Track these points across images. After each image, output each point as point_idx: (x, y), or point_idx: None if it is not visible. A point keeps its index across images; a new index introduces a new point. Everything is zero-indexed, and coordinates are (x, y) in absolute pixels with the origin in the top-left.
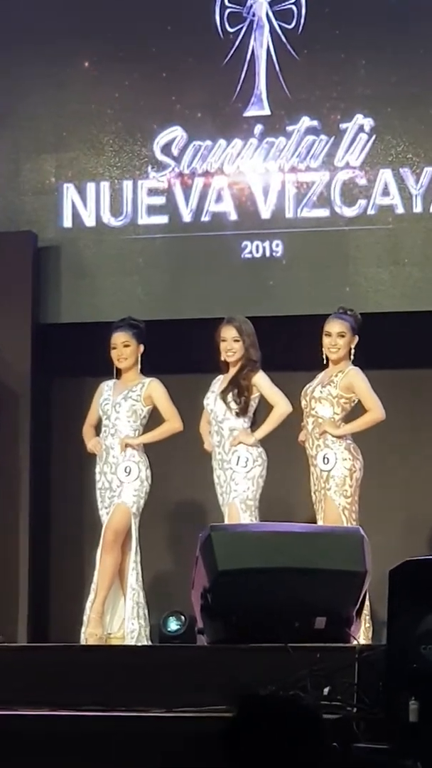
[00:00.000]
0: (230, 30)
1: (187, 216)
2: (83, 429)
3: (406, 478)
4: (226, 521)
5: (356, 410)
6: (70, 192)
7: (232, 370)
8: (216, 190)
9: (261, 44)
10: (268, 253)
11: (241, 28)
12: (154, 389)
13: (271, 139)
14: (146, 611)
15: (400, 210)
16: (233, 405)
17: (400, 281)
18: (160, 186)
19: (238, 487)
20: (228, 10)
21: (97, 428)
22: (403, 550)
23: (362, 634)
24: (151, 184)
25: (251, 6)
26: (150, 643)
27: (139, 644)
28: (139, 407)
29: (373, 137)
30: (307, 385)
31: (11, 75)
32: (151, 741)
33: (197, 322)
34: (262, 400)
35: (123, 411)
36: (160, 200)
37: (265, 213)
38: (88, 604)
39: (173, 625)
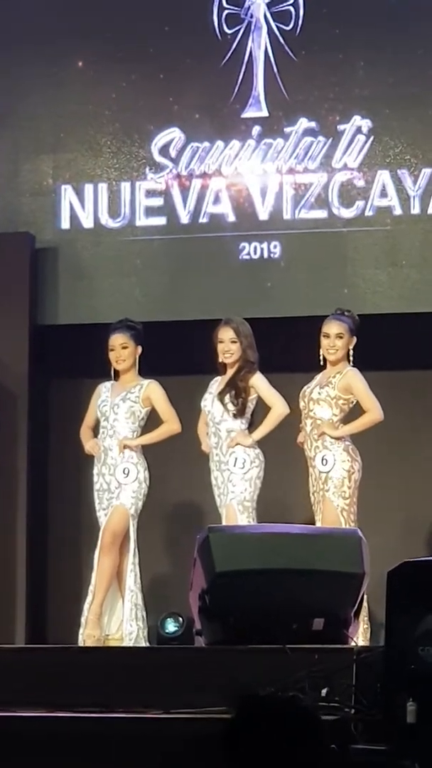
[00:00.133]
0: (228, 31)
1: (184, 217)
2: (81, 430)
3: (405, 479)
4: (224, 523)
5: (355, 411)
6: (67, 193)
7: (230, 372)
8: (214, 192)
9: (259, 45)
10: (266, 255)
11: (239, 29)
12: (153, 391)
13: (268, 141)
14: (144, 613)
15: (398, 211)
16: (230, 406)
17: (398, 283)
18: (158, 187)
19: (235, 489)
20: (226, 12)
21: (95, 430)
22: (401, 551)
23: (361, 636)
24: (149, 185)
25: (249, 7)
26: (148, 644)
27: (137, 646)
28: (137, 409)
29: (371, 138)
30: (305, 387)
31: (10, 75)
32: (150, 742)
33: (195, 323)
34: (260, 401)
35: (121, 412)
36: (158, 202)
37: (263, 214)
38: (86, 606)
39: (171, 626)
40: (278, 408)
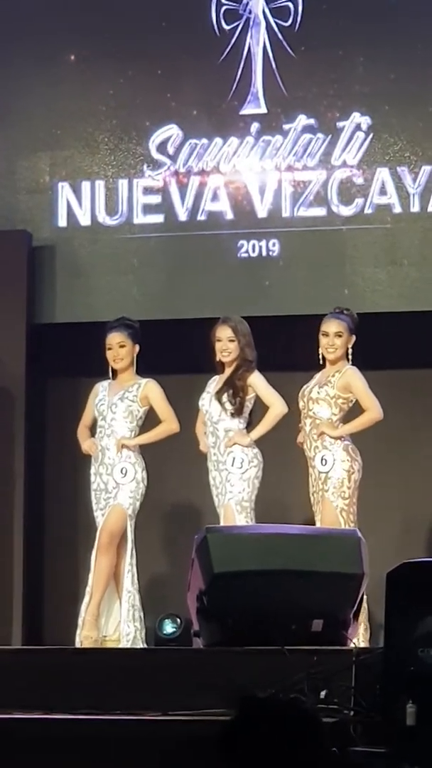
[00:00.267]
0: (226, 27)
1: (182, 215)
2: (78, 430)
3: (405, 478)
4: (222, 523)
5: (354, 410)
6: (65, 191)
7: (228, 371)
8: (212, 189)
9: (257, 42)
10: (264, 253)
11: (237, 25)
12: (151, 390)
13: (267, 138)
14: (142, 614)
15: (397, 209)
16: (228, 406)
17: (398, 281)
18: (156, 185)
19: (233, 489)
20: (224, 8)
21: (92, 429)
22: (401, 550)
23: (361, 637)
24: (147, 182)
25: (247, 3)
26: (145, 645)
27: (135, 647)
28: (135, 408)
29: (371, 136)
30: (305, 386)
31: (6, 72)
32: (148, 745)
33: (193, 322)
34: (258, 400)
35: (119, 412)
36: (155, 199)
37: (262, 212)
38: (83, 607)
39: (169, 627)
40: (276, 407)
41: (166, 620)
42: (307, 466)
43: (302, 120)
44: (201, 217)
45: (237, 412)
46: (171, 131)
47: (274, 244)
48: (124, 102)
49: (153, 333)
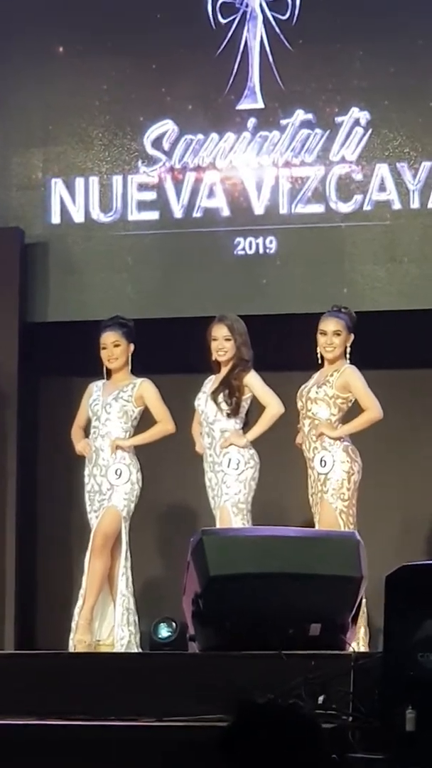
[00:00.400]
0: (223, 21)
1: (178, 212)
2: (72, 430)
3: (404, 478)
4: (218, 525)
5: (353, 410)
6: (58, 187)
7: (224, 370)
8: (208, 186)
9: (254, 36)
10: (261, 250)
11: (234, 18)
12: (146, 390)
13: (264, 133)
14: (136, 618)
15: (397, 206)
16: (224, 406)
17: (397, 279)
18: (151, 181)
19: (229, 490)
20: (220, 1)
21: (86, 429)
22: (401, 551)
23: (361, 641)
24: (142, 179)
25: None
26: (140, 650)
27: (129, 651)
28: (130, 408)
29: (370, 131)
30: (303, 386)
31: None
32: (143, 751)
33: (189, 320)
34: (255, 400)
35: (114, 412)
36: (150, 195)
37: (259, 209)
38: (77, 611)
39: (164, 631)
40: (273, 407)
41: (162, 624)
42: (304, 467)
43: (300, 115)
44: (197, 214)
45: (233, 413)
46: (166, 126)
47: (271, 242)
48: (119, 97)
49: (148, 332)
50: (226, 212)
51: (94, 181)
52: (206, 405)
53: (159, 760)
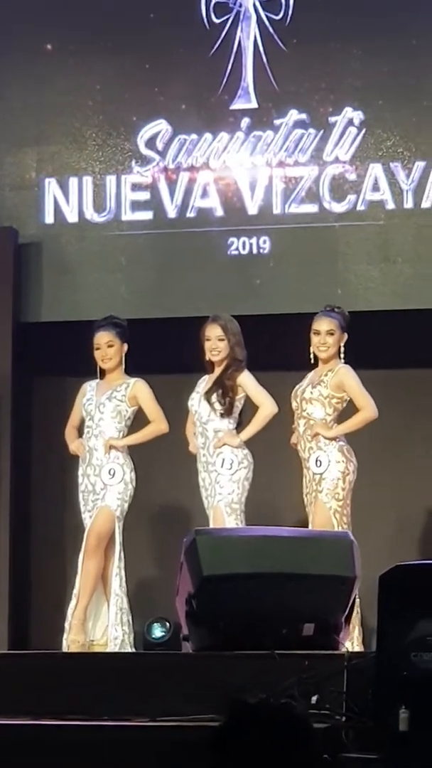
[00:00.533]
0: (216, 20)
1: (171, 212)
2: (66, 430)
3: (398, 477)
4: (211, 525)
5: (348, 409)
6: (51, 187)
7: (217, 370)
8: (202, 186)
9: (248, 35)
10: (255, 250)
11: (228, 18)
12: (139, 390)
13: (258, 133)
14: (130, 617)
15: (390, 206)
16: (217, 406)
17: (391, 279)
18: (145, 181)
19: (223, 490)
20: (214, 1)
21: (80, 429)
22: (395, 550)
23: (355, 640)
24: (135, 179)
25: None
26: (134, 650)
27: (123, 651)
28: (123, 408)
29: (363, 131)
30: (297, 386)
31: None
32: (136, 750)
33: (182, 320)
34: (248, 400)
35: (107, 412)
36: (144, 195)
37: (252, 209)
38: (70, 610)
39: (158, 631)
40: (267, 407)
41: (155, 624)
42: (298, 467)
43: (293, 115)
44: (190, 214)
45: (226, 413)
46: (160, 126)
47: (264, 242)
48: (112, 96)
49: (141, 332)
50: (219, 212)
51: (87, 181)
52: (200, 405)
53: (152, 760)
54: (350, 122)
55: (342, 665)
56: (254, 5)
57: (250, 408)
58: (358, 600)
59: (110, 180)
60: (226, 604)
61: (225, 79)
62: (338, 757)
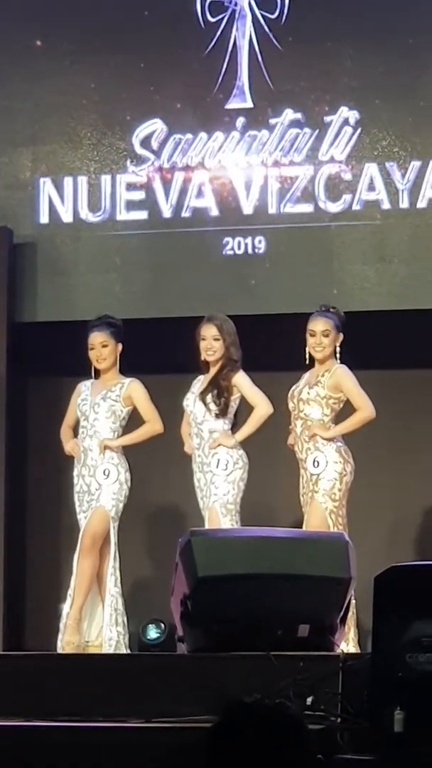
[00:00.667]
0: (211, 19)
1: (167, 211)
2: (61, 430)
3: (395, 478)
4: (207, 526)
5: (346, 409)
6: (46, 187)
7: (212, 370)
8: (197, 185)
9: (243, 34)
10: (250, 250)
11: (223, 17)
12: (134, 390)
13: (253, 132)
14: (125, 618)
15: (386, 205)
16: (212, 406)
17: (387, 279)
18: (140, 180)
19: (218, 491)
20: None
21: (75, 429)
22: (391, 551)
23: (350, 642)
24: (130, 178)
25: None
26: (129, 651)
27: (118, 652)
28: (118, 408)
29: (359, 130)
30: (294, 387)
31: None
32: (131, 752)
33: (177, 320)
34: (243, 401)
35: (102, 412)
36: (139, 195)
37: (248, 208)
38: (65, 611)
39: (153, 633)
40: (262, 408)
41: (150, 625)
42: (294, 468)
43: (289, 114)
44: (185, 214)
45: (222, 413)
46: (155, 126)
47: (260, 241)
48: (107, 96)
49: (136, 332)
50: (214, 212)
51: (82, 180)
52: (195, 405)
53: (147, 762)
54: (346, 122)
55: (337, 666)
56: (249, 4)
57: (246, 408)
58: (353, 601)
59: (105, 179)
60: (221, 605)
61: (220, 78)
62: (333, 758)
